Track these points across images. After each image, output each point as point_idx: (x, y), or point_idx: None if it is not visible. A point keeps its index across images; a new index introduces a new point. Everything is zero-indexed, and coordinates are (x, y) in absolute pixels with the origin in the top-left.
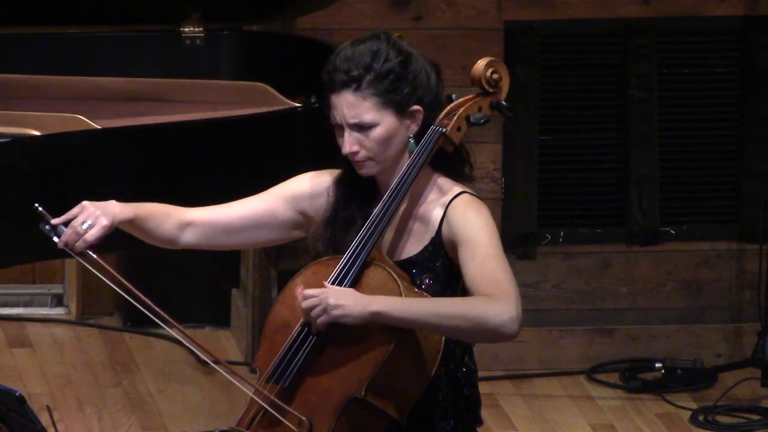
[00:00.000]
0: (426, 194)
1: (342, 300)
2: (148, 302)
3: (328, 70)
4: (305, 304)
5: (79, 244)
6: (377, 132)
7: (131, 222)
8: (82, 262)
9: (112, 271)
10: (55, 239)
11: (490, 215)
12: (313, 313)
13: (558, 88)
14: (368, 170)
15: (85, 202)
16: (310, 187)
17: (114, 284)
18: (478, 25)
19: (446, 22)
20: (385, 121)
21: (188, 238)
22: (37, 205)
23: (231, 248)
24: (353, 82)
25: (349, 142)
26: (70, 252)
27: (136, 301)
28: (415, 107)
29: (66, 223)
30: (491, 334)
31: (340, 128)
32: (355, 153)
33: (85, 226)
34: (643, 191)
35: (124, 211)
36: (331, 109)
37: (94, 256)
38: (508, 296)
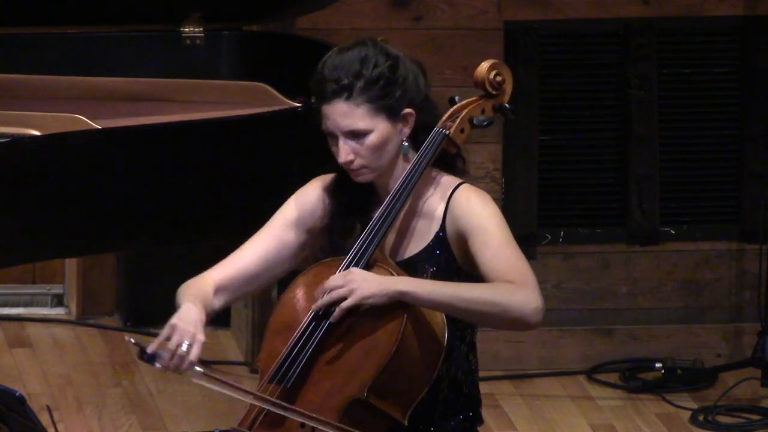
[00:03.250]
0: (426, 192)
1: (367, 281)
2: (267, 398)
3: (317, 80)
4: (330, 287)
5: (185, 366)
6: (372, 138)
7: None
8: (191, 378)
9: (221, 378)
10: (156, 365)
11: (494, 203)
12: (338, 295)
13: (558, 88)
14: (364, 177)
15: (173, 321)
16: (303, 204)
17: (225, 389)
18: (478, 25)
19: (446, 22)
20: (378, 127)
21: (220, 302)
22: (128, 338)
23: (257, 291)
24: (344, 91)
25: (345, 151)
26: (174, 373)
27: (254, 399)
28: (407, 110)
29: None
30: (515, 322)
31: (334, 137)
32: (351, 162)
33: (185, 347)
34: (643, 191)
35: (201, 311)
36: (323, 118)
37: (200, 369)
38: (531, 285)
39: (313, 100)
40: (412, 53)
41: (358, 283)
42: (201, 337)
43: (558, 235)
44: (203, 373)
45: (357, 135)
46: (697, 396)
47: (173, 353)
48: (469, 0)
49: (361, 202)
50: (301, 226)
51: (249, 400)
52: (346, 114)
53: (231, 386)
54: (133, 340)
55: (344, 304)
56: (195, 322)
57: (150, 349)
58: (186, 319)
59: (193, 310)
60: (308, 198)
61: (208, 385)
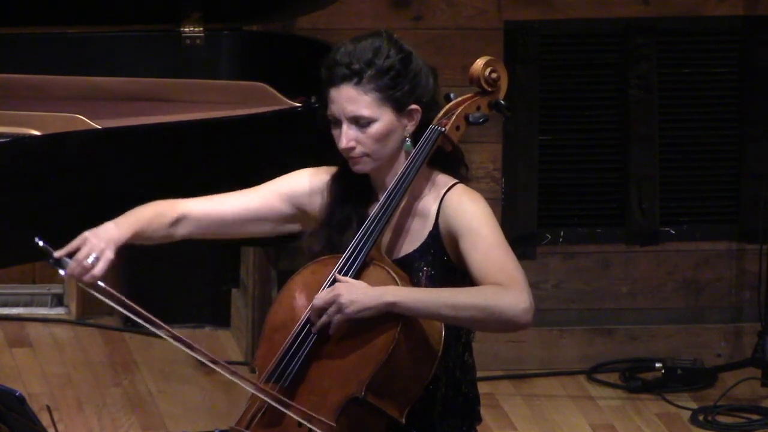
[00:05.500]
0: (422, 191)
1: (354, 295)
2: (161, 324)
3: (328, 65)
4: (317, 307)
5: (88, 278)
6: (375, 128)
7: (131, 239)
8: (91, 291)
9: (120, 296)
10: (61, 272)
11: (486, 204)
12: (329, 312)
13: (558, 88)
14: (363, 167)
15: (86, 234)
16: (308, 184)
17: (123, 308)
18: (478, 25)
19: (446, 22)
20: (383, 118)
21: (183, 230)
22: (37, 239)
23: (223, 238)
24: (354, 76)
25: (347, 137)
26: (78, 283)
27: (148, 323)
28: (414, 106)
29: (70, 255)
30: (505, 324)
31: (338, 122)
32: (352, 149)
33: (90, 260)
34: (643, 191)
35: (122, 233)
36: (329, 103)
37: (103, 285)
38: (519, 286)
39: (313, 100)
40: None
41: (345, 298)
42: (110, 254)
43: (558, 235)
44: (105, 289)
45: (360, 122)
46: (697, 396)
47: (79, 263)
48: (469, 0)
49: (358, 197)
50: (293, 200)
51: (161, 333)
52: (352, 99)
53: (137, 311)
54: (42, 243)
55: (335, 323)
56: (108, 239)
57: (57, 254)
58: (100, 234)
59: (113, 230)
60: (312, 180)
61: (110, 302)
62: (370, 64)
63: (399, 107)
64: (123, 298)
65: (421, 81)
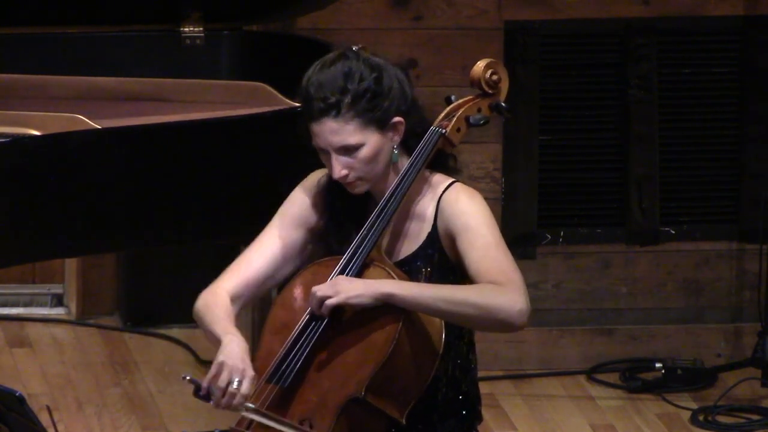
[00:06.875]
0: (420, 193)
1: (353, 283)
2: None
3: (304, 99)
4: (316, 290)
5: (237, 402)
6: (364, 152)
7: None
8: (246, 415)
9: (274, 415)
10: (211, 403)
11: (484, 202)
12: (324, 293)
13: (558, 88)
14: (360, 189)
15: (221, 359)
16: (305, 201)
17: (280, 425)
18: (478, 25)
19: (446, 22)
20: (370, 140)
21: (235, 311)
22: (184, 376)
23: (269, 291)
24: (332, 109)
25: (338, 167)
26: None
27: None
28: (396, 119)
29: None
30: (499, 324)
31: (326, 153)
32: (346, 176)
33: (235, 384)
34: (643, 191)
35: (243, 341)
36: (313, 135)
37: (252, 405)
38: (516, 287)
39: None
40: (412, 53)
41: (343, 286)
42: (251, 372)
43: (558, 235)
44: (255, 410)
45: (349, 150)
46: (697, 396)
47: (224, 391)
48: (469, 0)
49: (356, 203)
50: (304, 224)
51: None
52: (336, 131)
53: (284, 422)
54: (188, 377)
55: (330, 301)
56: (242, 356)
57: (203, 388)
58: (233, 354)
59: (235, 342)
60: (309, 194)
61: (261, 419)
62: (345, 92)
63: (382, 125)
64: (277, 417)
65: (397, 93)
